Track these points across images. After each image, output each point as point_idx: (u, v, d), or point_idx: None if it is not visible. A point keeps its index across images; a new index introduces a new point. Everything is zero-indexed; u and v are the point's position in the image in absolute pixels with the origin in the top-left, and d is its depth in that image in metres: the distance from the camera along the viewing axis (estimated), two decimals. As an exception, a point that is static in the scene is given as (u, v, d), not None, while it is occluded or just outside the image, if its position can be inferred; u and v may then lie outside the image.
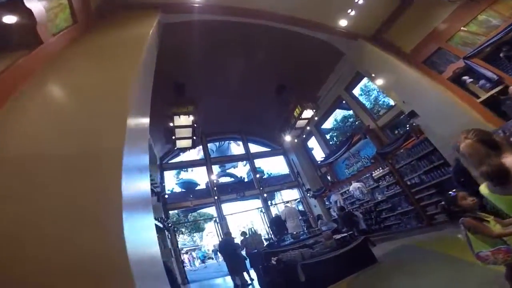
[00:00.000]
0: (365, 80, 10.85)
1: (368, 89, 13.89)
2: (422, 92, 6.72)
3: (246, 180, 14.47)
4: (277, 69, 9.77)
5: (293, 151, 13.71)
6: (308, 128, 10.67)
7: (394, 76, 7.36)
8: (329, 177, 12.06)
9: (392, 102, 9.52)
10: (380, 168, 9.04)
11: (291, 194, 16.06)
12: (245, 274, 6.56)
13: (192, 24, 6.29)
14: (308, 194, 12.51)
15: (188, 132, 8.39)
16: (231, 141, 16.52)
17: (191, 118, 7.30)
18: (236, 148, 16.87)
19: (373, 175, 9.32)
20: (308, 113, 9.75)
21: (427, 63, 7.01)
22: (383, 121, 9.68)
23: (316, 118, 10.38)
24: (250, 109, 11.94)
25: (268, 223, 7.04)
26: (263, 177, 13.49)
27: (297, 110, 9.79)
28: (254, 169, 12.91)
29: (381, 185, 9.03)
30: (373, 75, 8.18)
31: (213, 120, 11.81)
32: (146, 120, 3.09)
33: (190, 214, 14.73)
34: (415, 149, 7.76)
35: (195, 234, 28.73)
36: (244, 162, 16.27)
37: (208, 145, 13.52)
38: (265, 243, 6.41)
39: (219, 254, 10.74)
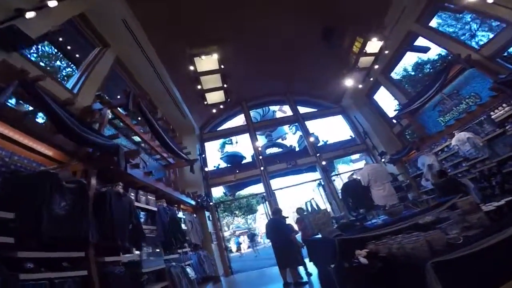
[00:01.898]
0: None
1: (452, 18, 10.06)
2: None
3: (297, 149, 12.58)
4: (320, 10, 7.99)
5: (356, 107, 11.19)
6: (376, 67, 8.04)
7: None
8: (409, 134, 9.29)
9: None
10: (505, 105, 6.02)
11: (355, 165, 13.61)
12: (299, 268, 4.92)
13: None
14: (383, 159, 9.91)
15: (216, 80, 6.98)
16: (276, 109, 14.66)
17: (216, 56, 5.71)
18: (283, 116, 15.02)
19: (492, 116, 6.32)
20: (374, 46, 7.24)
21: None
22: (490, 50, 6.73)
23: (386, 52, 7.69)
24: (295, 64, 10.07)
25: (340, 194, 5.03)
26: (318, 145, 11.34)
27: (356, 44, 7.53)
28: (306, 131, 10.87)
29: (510, 130, 6.00)
30: None
31: (253, 82, 10.52)
32: None
33: (237, 192, 13.72)
34: None
35: (249, 216, 28.76)
36: (293, 129, 14.39)
37: (251, 113, 12.03)
38: (335, 225, 4.44)
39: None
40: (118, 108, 5.06)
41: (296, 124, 14.41)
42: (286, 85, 11.66)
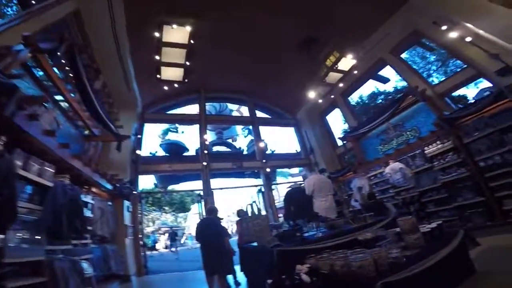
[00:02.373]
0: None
1: (420, 54, 11.42)
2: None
3: (245, 152, 12.16)
4: (304, 20, 7.96)
5: (308, 123, 11.46)
6: (341, 85, 8.32)
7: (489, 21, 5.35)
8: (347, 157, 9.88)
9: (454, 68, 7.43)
10: (439, 142, 6.75)
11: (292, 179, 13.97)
12: (229, 277, 4.35)
13: None
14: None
15: (179, 55, 6.21)
16: (234, 109, 14.09)
17: (188, 29, 5.01)
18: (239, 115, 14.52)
19: (425, 151, 7.03)
20: (346, 63, 7.44)
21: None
22: (443, 88, 7.65)
23: (355, 72, 7.99)
24: (265, 67, 9.75)
25: (283, 201, 4.64)
26: (266, 152, 11.14)
27: (331, 58, 7.68)
28: (258, 134, 10.57)
29: (437, 166, 6.76)
30: (443, 27, 6.39)
31: (217, 73, 9.74)
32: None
33: (171, 187, 12.35)
34: (502, 116, 5.56)
35: (180, 214, 26.91)
36: (246, 132, 14.02)
37: (207, 105, 11.15)
38: (274, 233, 4.01)
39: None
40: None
41: (250, 127, 14.16)
42: (251, 86, 11.22)
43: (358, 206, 8.12)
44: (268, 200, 9.14)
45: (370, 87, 13.88)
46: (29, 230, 3.18)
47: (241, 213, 4.98)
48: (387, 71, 9.41)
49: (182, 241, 21.24)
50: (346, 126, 13.25)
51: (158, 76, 6.70)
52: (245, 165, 9.73)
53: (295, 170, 18.24)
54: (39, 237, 3.26)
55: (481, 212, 5.92)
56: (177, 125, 12.12)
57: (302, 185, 4.79)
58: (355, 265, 2.20)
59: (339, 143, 11.02)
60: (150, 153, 9.73)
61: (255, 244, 3.73)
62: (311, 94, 8.42)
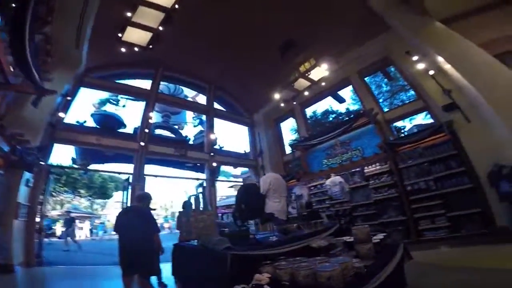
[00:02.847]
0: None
1: (377, 81, 12.56)
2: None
3: (191, 142, 11.19)
4: (291, 20, 7.85)
5: (263, 126, 11.45)
6: (306, 93, 8.47)
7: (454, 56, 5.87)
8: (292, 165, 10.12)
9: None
10: (377, 164, 7.40)
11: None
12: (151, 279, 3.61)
13: None
14: (266, 180, 10.15)
15: (154, 18, 5.27)
16: (190, 96, 12.90)
17: None
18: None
19: (364, 171, 7.60)
20: (317, 73, 7.56)
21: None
22: (392, 115, 8.53)
23: (323, 84, 8.19)
24: (236, 61, 9.33)
25: (236, 196, 4.10)
26: (213, 146, 10.48)
27: (306, 64, 7.80)
28: (211, 126, 9.86)
29: (372, 184, 7.36)
30: (414, 58, 6.88)
31: (184, 52, 8.79)
32: None
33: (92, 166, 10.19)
34: (434, 149, 6.45)
35: (98, 201, 23.35)
36: (196, 121, 13.05)
37: (161, 84, 9.85)
38: (219, 231, 3.46)
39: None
40: None
41: (202, 117, 13.28)
42: (216, 75, 10.50)
43: (295, 213, 8.31)
44: (209, 196, 8.49)
45: (324, 105, 14.72)
46: None
47: (187, 205, 4.27)
48: (344, 92, 10.04)
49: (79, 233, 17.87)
50: (294, 136, 13.71)
51: (119, 35, 5.48)
52: (190, 154, 8.87)
53: (237, 171, 17.95)
54: None
55: (400, 230, 6.60)
56: (119, 97, 10.38)
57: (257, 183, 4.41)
58: (324, 276, 1.88)
59: (287, 150, 11.22)
60: (77, 122, 7.92)
61: (194, 243, 3.13)
62: (276, 96, 8.34)
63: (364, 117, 8.18)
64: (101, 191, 20.56)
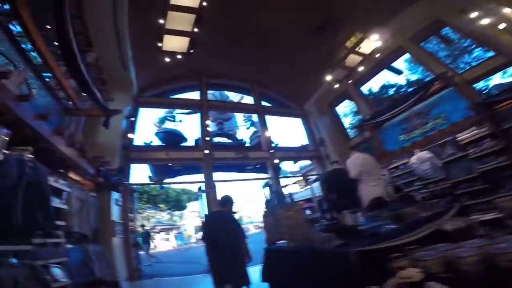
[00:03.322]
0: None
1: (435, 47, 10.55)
2: None
3: (247, 144, 11.12)
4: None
5: (317, 114, 10.56)
6: (360, 69, 7.54)
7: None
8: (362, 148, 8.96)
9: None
10: (473, 129, 5.85)
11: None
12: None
13: None
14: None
15: (187, 21, 5.18)
16: (235, 101, 12.99)
17: None
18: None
19: (457, 139, 6.10)
20: (367, 46, 6.60)
21: None
22: (471, 75, 6.82)
23: (377, 56, 7.10)
24: (273, 54, 8.85)
25: (321, 186, 3.55)
26: (271, 143, 10.11)
27: (352, 39, 7.07)
28: (264, 124, 9.54)
29: (471, 154, 5.82)
30: (473, 15, 5.94)
31: (220, 56, 8.74)
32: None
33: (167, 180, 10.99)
34: None
35: (176, 213, 25.60)
36: (248, 124, 12.96)
37: (208, 94, 10.10)
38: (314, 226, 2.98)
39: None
40: None
41: (253, 118, 13.15)
42: (256, 73, 10.24)
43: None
44: (277, 195, 8.11)
45: (379, 80, 13.09)
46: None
47: (270, 204, 3.92)
48: (399, 64, 8.78)
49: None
50: (353, 119, 12.46)
51: (159, 45, 5.65)
52: (251, 155, 8.70)
53: (295, 167, 17.24)
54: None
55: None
56: (174, 113, 11.05)
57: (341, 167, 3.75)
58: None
59: (351, 134, 10.14)
60: (144, 143, 8.61)
61: (285, 244, 2.69)
62: (327, 77, 7.55)
63: (438, 81, 6.80)
64: (177, 204, 22.50)
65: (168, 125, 10.68)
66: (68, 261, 3.37)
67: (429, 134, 7.15)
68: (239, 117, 13.76)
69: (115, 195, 5.74)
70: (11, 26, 3.39)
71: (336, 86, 8.19)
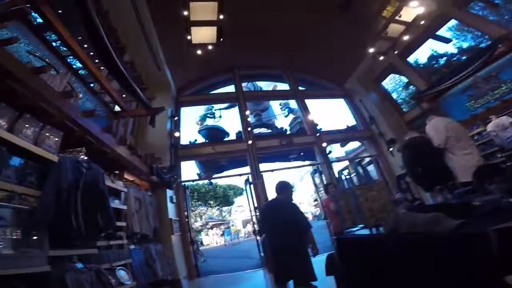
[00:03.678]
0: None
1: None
2: None
3: (288, 132, 10.52)
4: None
5: (362, 91, 9.45)
6: (406, 37, 6.64)
7: None
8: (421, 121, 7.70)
9: None
10: None
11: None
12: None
13: None
14: (391, 148, 8.19)
15: (211, 10, 5.00)
16: (270, 88, 12.45)
17: None
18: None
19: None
20: (408, 14, 5.80)
21: None
22: None
23: (422, 22, 6.09)
24: (303, 36, 8.27)
25: (403, 159, 2.84)
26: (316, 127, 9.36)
27: (389, 8, 6.18)
28: (305, 108, 8.86)
29: None
30: None
31: (249, 46, 8.44)
32: None
33: (214, 180, 11.01)
34: None
35: (224, 208, 26.30)
36: (286, 111, 12.33)
37: (243, 86, 9.82)
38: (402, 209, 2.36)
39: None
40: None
41: (289, 106, 12.49)
42: (288, 59, 9.63)
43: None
44: (329, 180, 7.41)
45: (425, 50, 11.42)
46: (23, 227, 2.00)
47: (332, 187, 3.37)
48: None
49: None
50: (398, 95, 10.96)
51: (188, 37, 5.47)
52: (295, 141, 8.09)
53: (340, 153, 15.96)
54: (36, 238, 2.05)
55: None
56: (213, 109, 11.01)
57: (421, 135, 2.98)
58: None
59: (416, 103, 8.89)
60: (190, 142, 8.67)
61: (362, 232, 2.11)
62: (370, 50, 6.79)
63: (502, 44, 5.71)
64: (225, 199, 23.04)
65: (209, 122, 10.70)
66: (132, 263, 3.27)
67: (506, 97, 5.84)
68: (275, 106, 13.22)
69: (169, 193, 5.73)
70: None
71: (381, 58, 7.30)
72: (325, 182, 7.24)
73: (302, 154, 11.32)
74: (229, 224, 26.08)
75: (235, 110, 10.25)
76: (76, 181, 2.56)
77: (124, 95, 4.38)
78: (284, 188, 3.01)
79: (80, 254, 2.46)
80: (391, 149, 8.40)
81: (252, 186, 6.99)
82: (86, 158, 2.85)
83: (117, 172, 3.92)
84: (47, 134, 2.55)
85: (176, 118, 7.41)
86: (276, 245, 2.81)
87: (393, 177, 8.13)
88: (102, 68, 3.84)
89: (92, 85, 4.03)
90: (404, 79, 11.50)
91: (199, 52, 5.89)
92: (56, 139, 2.63)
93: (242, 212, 29.37)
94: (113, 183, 3.41)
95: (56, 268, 2.13)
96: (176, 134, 6.98)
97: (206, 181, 14.34)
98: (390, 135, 8.44)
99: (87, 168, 2.78)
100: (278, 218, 2.82)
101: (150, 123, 4.49)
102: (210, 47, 5.73)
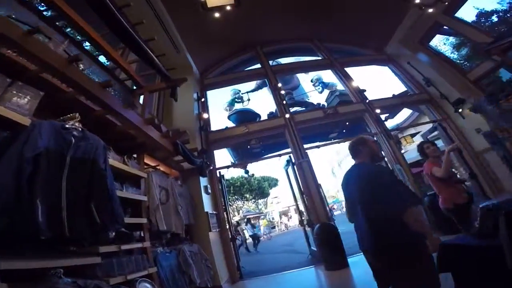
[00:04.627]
0: None
1: None
2: None
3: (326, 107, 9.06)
4: None
5: (408, 54, 7.78)
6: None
7: None
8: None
9: None
10: None
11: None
12: None
13: None
14: (460, 110, 6.48)
15: None
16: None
17: None
18: (306, 77, 11.39)
19: None
20: None
21: None
22: None
23: None
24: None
25: None
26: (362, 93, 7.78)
27: None
28: (345, 75, 7.37)
29: None
30: None
31: (271, 22, 7.52)
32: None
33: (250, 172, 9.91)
34: None
35: (260, 201, 25.40)
36: (320, 87, 10.83)
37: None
38: None
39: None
40: None
41: (322, 81, 10.95)
42: (312, 29, 8.26)
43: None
44: (394, 156, 5.88)
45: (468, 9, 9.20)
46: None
47: (429, 146, 2.06)
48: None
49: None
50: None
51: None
52: (341, 111, 6.63)
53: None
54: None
55: None
56: (241, 93, 9.94)
57: None
58: None
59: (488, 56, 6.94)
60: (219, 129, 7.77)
61: None
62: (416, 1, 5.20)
63: None
64: (260, 191, 22.07)
65: (237, 106, 9.68)
66: (159, 271, 2.29)
67: None
68: (306, 84, 11.73)
69: (203, 182, 4.76)
70: None
71: (430, 10, 6.13)
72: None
73: (344, 131, 9.76)
74: (267, 216, 25.14)
75: (264, 91, 9.01)
76: (60, 156, 1.60)
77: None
78: (359, 147, 1.79)
79: (66, 265, 1.48)
80: (460, 110, 6.66)
81: (295, 167, 5.75)
82: (81, 128, 1.88)
83: (134, 155, 2.99)
84: (15, 92, 1.63)
85: (203, 100, 6.48)
86: (366, 237, 1.58)
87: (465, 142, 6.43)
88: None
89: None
90: (453, 40, 9.52)
91: (216, 15, 4.85)
92: (29, 98, 1.69)
93: (278, 204, 28.31)
94: (126, 165, 2.45)
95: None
96: (205, 115, 6.01)
97: (240, 173, 13.37)
98: (457, 96, 6.66)
99: (79, 138, 1.81)
100: (357, 195, 1.61)
101: (172, 95, 3.54)
102: (228, 7, 4.66)
